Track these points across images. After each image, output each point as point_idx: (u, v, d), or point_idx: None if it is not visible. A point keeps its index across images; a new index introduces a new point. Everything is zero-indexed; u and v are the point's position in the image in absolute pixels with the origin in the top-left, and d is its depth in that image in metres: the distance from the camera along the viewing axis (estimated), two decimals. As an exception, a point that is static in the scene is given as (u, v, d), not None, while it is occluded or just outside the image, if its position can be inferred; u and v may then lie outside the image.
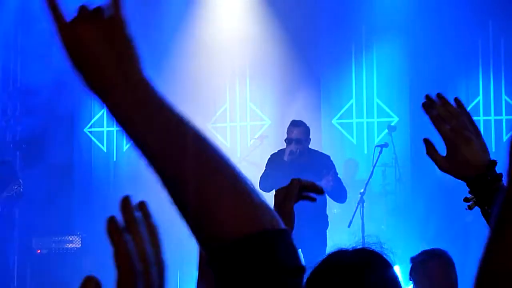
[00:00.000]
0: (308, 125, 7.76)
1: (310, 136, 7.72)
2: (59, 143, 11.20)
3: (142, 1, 11.04)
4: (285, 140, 7.65)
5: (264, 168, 7.79)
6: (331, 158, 7.75)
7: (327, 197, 7.60)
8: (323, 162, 7.63)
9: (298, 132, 7.56)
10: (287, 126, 7.78)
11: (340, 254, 2.02)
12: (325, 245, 7.59)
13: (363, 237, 7.66)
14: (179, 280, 9.95)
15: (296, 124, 7.64)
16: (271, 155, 7.87)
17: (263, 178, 7.63)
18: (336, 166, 7.73)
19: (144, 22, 11.17)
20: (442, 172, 2.34)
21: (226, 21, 11.47)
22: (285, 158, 7.56)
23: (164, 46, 11.26)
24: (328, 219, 7.77)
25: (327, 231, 7.73)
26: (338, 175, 7.75)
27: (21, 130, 11.30)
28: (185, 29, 11.37)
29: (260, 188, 7.53)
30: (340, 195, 7.68)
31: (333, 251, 2.05)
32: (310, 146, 7.79)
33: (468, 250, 10.12)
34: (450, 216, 9.99)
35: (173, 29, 11.29)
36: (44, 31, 11.03)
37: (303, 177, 2.25)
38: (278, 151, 7.83)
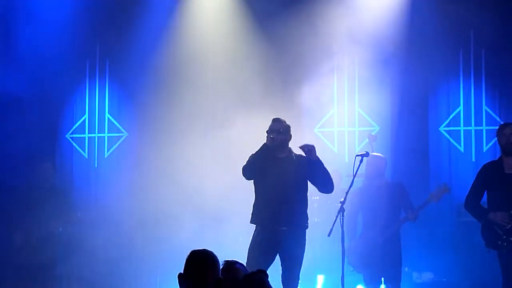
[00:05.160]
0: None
1: (291, 133, 7.80)
2: (41, 149, 11.14)
3: (124, 17, 11.10)
4: (266, 132, 7.73)
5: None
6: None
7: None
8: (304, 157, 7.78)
9: (278, 125, 7.72)
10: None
11: None
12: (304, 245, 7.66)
13: (342, 246, 7.66)
14: (158, 285, 9.95)
15: (277, 120, 7.78)
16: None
17: (248, 164, 7.75)
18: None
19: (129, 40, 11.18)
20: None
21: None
22: (267, 143, 7.66)
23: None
24: (308, 224, 7.80)
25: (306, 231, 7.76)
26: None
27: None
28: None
29: (243, 173, 7.71)
30: (326, 175, 7.77)
31: None
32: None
33: (447, 254, 10.16)
34: (428, 222, 10.03)
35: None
36: (25, 39, 11.02)
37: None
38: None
